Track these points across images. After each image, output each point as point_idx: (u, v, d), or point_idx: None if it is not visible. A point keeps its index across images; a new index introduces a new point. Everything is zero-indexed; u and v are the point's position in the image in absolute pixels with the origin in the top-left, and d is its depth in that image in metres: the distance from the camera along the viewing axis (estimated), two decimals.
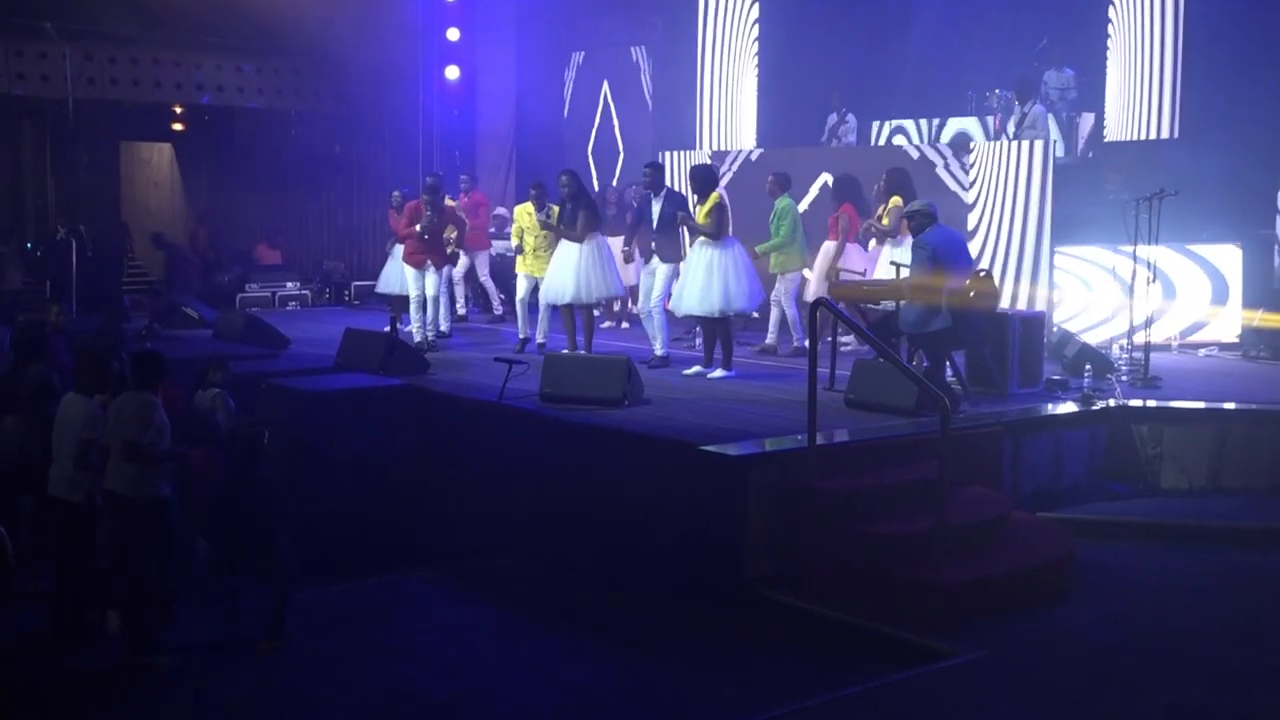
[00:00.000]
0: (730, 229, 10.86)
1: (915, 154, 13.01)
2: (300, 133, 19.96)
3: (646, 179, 11.36)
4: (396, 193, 14.67)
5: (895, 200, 11.30)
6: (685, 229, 11.29)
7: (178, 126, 20.64)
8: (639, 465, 8.29)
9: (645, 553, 8.05)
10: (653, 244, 11.46)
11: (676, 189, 12.50)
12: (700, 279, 10.64)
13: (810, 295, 12.05)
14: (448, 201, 13.73)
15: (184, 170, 22.27)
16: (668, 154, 14.91)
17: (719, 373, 10.64)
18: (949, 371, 9.50)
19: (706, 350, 10.93)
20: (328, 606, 7.97)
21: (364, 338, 11.44)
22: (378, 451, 9.66)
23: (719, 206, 10.69)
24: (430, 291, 12.54)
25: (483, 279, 15.32)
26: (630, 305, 13.90)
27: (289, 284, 17.69)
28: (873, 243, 11.92)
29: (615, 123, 17.90)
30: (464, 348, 12.72)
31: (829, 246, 12.17)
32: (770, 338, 12.16)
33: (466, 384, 10.47)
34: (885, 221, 11.39)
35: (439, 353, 12.08)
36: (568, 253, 11.54)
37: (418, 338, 12.43)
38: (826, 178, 13.40)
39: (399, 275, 13.69)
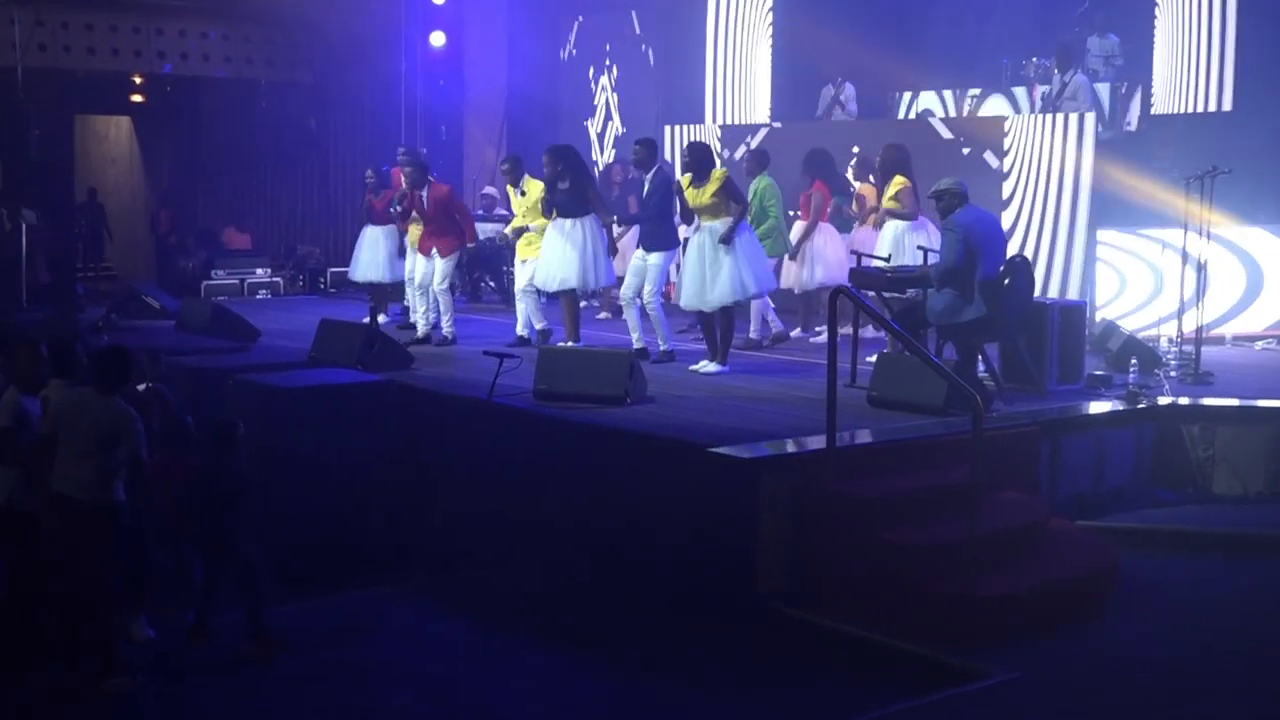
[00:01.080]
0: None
1: (948, 134, 13.01)
2: (271, 105, 19.99)
3: (635, 156, 11.11)
4: (370, 172, 14.59)
5: (901, 180, 11.30)
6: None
7: (137, 98, 20.69)
8: (642, 468, 8.31)
9: (649, 563, 8.08)
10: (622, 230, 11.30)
11: (671, 168, 12.44)
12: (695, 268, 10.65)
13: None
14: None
15: (144, 145, 22.34)
16: (675, 128, 14.92)
17: (711, 366, 10.67)
18: (981, 366, 9.53)
19: (711, 344, 10.93)
20: (305, 621, 7.98)
21: (341, 329, 11.46)
22: (357, 453, 9.67)
23: (728, 182, 10.61)
24: (437, 280, 12.46)
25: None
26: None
27: (259, 270, 17.69)
28: (868, 222, 11.95)
29: (615, 94, 17.91)
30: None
31: (799, 227, 12.25)
32: (775, 327, 12.19)
33: (453, 379, 10.49)
34: (894, 204, 11.40)
35: (422, 346, 12.09)
36: (554, 236, 11.48)
37: (420, 331, 12.38)
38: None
39: (374, 260, 13.70)
